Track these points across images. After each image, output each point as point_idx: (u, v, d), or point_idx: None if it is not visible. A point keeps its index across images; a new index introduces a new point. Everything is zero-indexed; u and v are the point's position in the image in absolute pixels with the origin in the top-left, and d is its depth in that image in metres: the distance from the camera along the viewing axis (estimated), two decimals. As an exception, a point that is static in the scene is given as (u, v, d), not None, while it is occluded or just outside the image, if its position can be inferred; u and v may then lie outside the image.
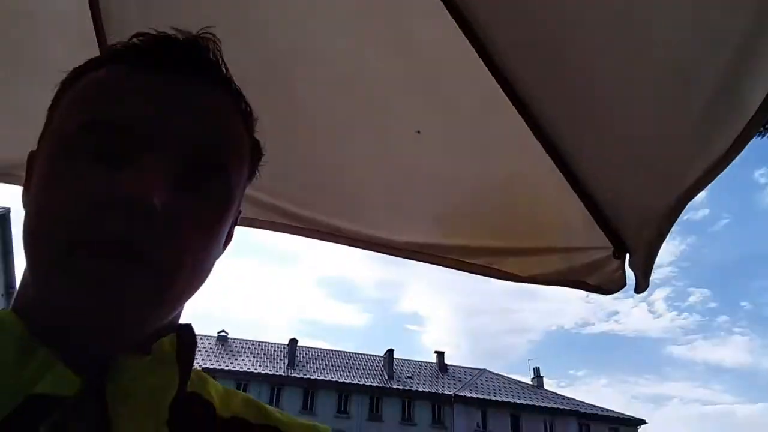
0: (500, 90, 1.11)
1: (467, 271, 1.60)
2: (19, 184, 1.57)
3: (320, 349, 45.08)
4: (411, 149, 1.29)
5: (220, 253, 0.54)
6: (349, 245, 1.60)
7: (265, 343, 43.21)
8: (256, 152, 0.58)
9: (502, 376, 46.71)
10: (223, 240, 0.54)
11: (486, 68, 1.08)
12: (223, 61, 0.54)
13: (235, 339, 41.09)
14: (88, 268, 0.42)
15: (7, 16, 1.31)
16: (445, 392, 41.92)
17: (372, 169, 1.39)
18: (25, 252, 0.47)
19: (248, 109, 0.57)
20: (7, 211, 23.77)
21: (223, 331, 40.27)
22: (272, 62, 1.17)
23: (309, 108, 1.25)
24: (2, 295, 24.75)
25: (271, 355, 41.66)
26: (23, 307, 0.48)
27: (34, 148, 0.54)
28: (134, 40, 0.52)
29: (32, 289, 0.47)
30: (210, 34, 0.53)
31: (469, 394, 42.05)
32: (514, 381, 46.09)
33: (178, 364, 0.49)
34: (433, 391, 42.02)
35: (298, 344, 42.83)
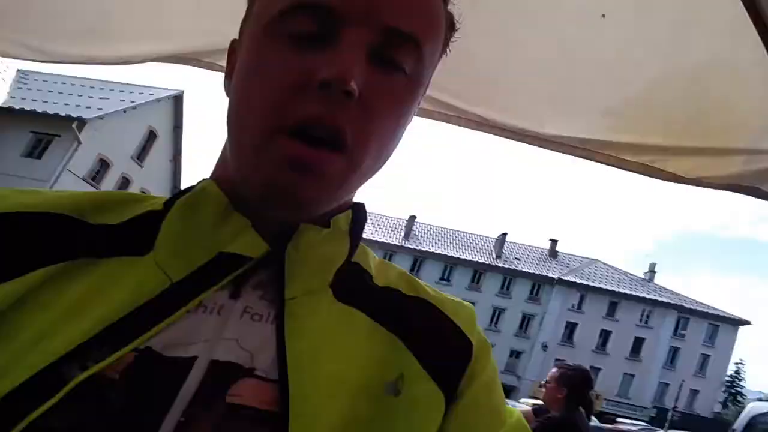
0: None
1: (626, 169, 1.49)
2: (201, 67, 1.64)
3: (436, 226, 47.43)
4: (590, 37, 1.13)
5: (402, 135, 0.52)
6: (497, 135, 1.53)
7: (386, 216, 46.45)
8: (450, 26, 0.53)
9: (613, 267, 45.96)
10: (409, 121, 0.53)
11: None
12: None
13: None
14: (289, 151, 0.43)
15: None
16: (549, 275, 42.52)
17: (538, 60, 1.25)
18: (228, 136, 0.49)
19: None
20: (182, 93, 27.73)
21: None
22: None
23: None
24: (170, 160, 28.47)
25: (390, 227, 44.88)
26: (222, 178, 0.51)
27: (225, 38, 0.53)
28: None
29: (232, 166, 0.49)
30: None
31: (573, 279, 42.20)
32: (624, 273, 45.20)
33: (349, 237, 0.54)
34: (537, 272, 42.88)
35: (416, 220, 45.67)
